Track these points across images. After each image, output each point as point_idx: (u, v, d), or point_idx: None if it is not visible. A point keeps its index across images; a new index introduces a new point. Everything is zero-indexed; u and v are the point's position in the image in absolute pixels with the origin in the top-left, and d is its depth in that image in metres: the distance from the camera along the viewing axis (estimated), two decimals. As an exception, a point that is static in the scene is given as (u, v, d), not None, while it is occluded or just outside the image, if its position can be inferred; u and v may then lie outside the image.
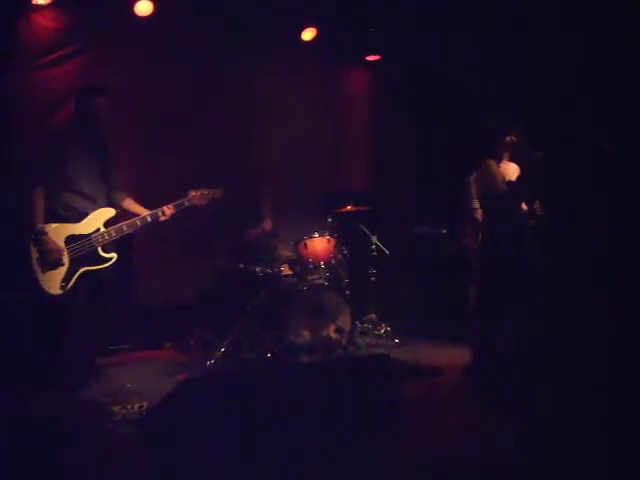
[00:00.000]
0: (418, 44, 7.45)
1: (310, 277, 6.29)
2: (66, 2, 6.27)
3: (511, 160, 5.29)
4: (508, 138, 5.19)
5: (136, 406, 4.49)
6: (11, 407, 4.35)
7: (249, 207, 6.60)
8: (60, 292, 4.58)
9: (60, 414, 4.37)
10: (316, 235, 6.32)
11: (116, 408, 4.44)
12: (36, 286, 4.56)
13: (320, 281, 6.26)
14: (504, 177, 5.17)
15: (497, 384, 4.75)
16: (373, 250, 6.93)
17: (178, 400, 3.11)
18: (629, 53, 5.60)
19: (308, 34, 7.49)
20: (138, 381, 5.19)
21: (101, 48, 6.49)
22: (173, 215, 5.01)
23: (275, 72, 7.26)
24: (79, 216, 4.73)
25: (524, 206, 5.31)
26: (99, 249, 4.73)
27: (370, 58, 8.16)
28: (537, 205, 5.30)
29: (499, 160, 5.25)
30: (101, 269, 4.75)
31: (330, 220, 6.58)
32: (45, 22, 6.24)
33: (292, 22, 7.35)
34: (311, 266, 6.28)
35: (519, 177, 5.08)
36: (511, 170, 5.27)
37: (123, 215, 4.97)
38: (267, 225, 6.59)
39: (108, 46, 6.48)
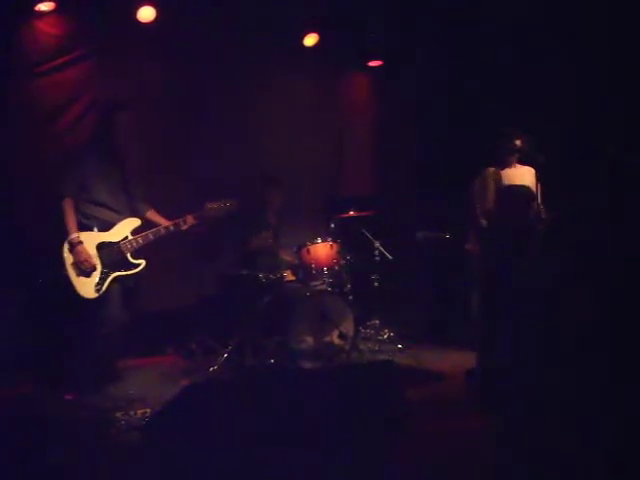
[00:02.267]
0: (420, 49, 7.46)
1: (313, 283, 6.27)
2: (69, 9, 6.27)
3: (520, 163, 5.28)
4: (514, 142, 5.17)
5: (139, 412, 4.50)
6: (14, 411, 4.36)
7: (253, 214, 6.58)
8: (95, 295, 4.83)
9: (63, 420, 4.40)
10: (319, 240, 6.29)
11: (119, 414, 4.45)
12: (70, 289, 4.80)
13: (323, 287, 6.23)
14: (503, 183, 5.17)
15: (497, 388, 4.74)
16: (376, 255, 6.92)
17: (180, 406, 3.11)
18: (632, 55, 5.60)
19: (310, 40, 7.50)
20: (141, 387, 5.21)
21: (104, 55, 6.50)
22: (193, 225, 5.22)
23: (277, 78, 7.31)
24: (102, 225, 4.95)
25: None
26: (128, 255, 4.97)
27: (372, 63, 8.17)
28: (541, 209, 5.29)
29: (504, 165, 5.24)
30: (132, 274, 5.01)
31: (332, 225, 6.57)
32: (48, 29, 6.25)
33: (294, 28, 7.36)
34: (314, 272, 6.25)
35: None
36: (519, 174, 5.27)
37: (145, 225, 5.14)
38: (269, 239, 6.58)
39: (111, 53, 6.49)
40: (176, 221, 5.15)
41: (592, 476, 3.48)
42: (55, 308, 5.28)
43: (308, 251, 6.25)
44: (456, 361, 5.97)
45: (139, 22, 6.49)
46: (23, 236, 5.79)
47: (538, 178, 5.24)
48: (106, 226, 4.96)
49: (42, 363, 5.34)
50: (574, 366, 4.73)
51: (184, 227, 5.17)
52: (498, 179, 5.20)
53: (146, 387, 5.25)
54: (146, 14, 6.45)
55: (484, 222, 5.63)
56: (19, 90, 6.18)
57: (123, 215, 5.03)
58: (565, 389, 4.47)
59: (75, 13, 6.35)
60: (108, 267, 4.88)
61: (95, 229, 4.91)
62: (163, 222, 5.17)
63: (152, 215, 5.25)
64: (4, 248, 5.53)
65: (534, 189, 5.27)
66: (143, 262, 5.03)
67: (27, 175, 6.06)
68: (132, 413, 4.48)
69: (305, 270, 6.31)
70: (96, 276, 4.83)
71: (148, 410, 4.50)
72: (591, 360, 4.75)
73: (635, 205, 5.16)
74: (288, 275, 6.51)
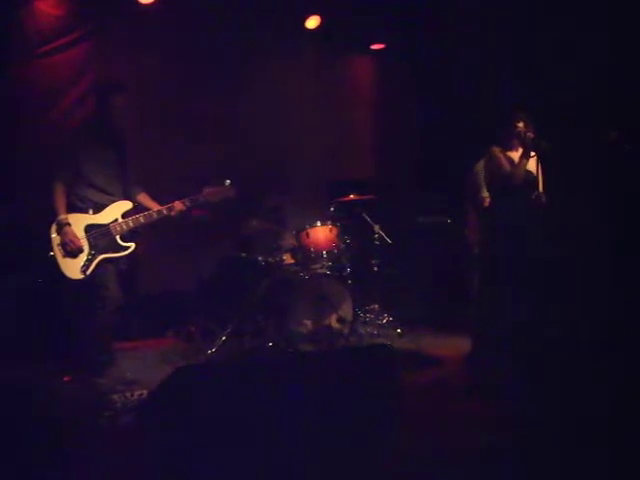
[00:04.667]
0: (422, 31, 7.42)
1: (312, 266, 6.24)
2: (69, -11, 6.27)
3: (520, 147, 5.23)
4: (517, 125, 5.13)
5: (136, 394, 4.51)
6: (10, 395, 4.37)
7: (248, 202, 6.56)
8: (81, 276, 4.81)
9: (60, 402, 4.42)
10: (318, 224, 6.27)
11: (116, 396, 4.46)
12: (57, 270, 4.79)
13: (322, 270, 6.20)
14: (512, 163, 5.13)
15: (495, 370, 4.74)
16: (376, 239, 6.89)
17: (172, 389, 3.11)
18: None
19: (312, 22, 7.46)
20: (138, 369, 5.22)
21: (104, 35, 6.52)
22: (189, 209, 5.21)
23: (278, 60, 7.27)
24: (96, 208, 4.94)
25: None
26: (117, 238, 4.95)
27: (374, 46, 8.13)
28: (541, 195, 5.27)
29: (508, 147, 5.20)
30: (120, 257, 4.98)
31: (332, 209, 6.56)
32: (47, 9, 6.26)
33: (296, 10, 7.32)
34: (313, 255, 6.23)
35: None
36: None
37: (138, 209, 5.10)
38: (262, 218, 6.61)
39: (111, 33, 6.51)
40: (169, 205, 5.11)
41: (590, 461, 3.47)
42: (51, 290, 5.28)
43: (307, 234, 6.24)
44: (456, 346, 5.96)
45: (139, 2, 6.46)
46: (22, 220, 5.80)
47: (539, 163, 5.21)
48: (99, 209, 4.95)
49: (40, 345, 5.35)
50: (573, 347, 4.74)
51: (176, 211, 5.12)
52: (508, 158, 5.16)
53: (144, 369, 5.26)
54: (146, -5, 6.44)
55: (488, 204, 5.62)
56: (21, 72, 6.17)
57: (116, 198, 5.01)
58: (564, 370, 4.47)
59: (75, -6, 6.34)
60: (96, 249, 4.86)
61: (90, 211, 4.91)
62: (154, 206, 5.13)
63: (143, 199, 5.22)
64: (3, 233, 5.55)
65: (535, 173, 5.24)
66: (132, 245, 5.00)
67: (27, 158, 6.07)
68: (129, 395, 4.49)
69: (304, 253, 6.30)
70: (83, 258, 4.82)
71: (145, 392, 4.50)
72: (590, 343, 4.76)
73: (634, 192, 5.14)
74: (287, 258, 6.49)
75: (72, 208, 4.88)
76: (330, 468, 3.28)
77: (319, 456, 3.33)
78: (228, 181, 5.30)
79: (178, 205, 5.11)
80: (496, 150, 5.19)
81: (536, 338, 4.75)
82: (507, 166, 5.11)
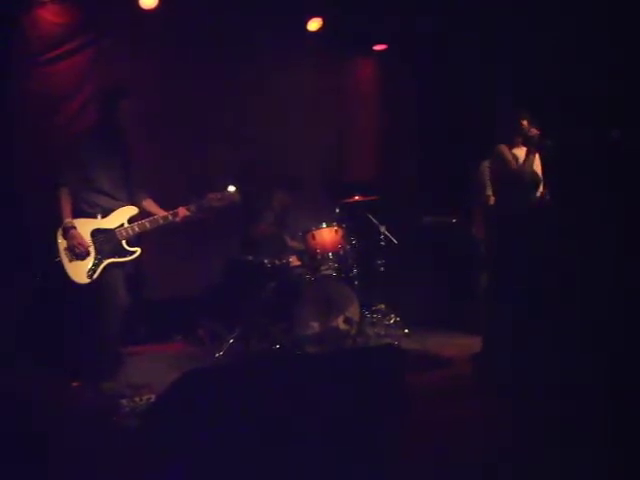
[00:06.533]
0: (424, 32, 7.41)
1: (319, 268, 6.26)
2: (71, -3, 6.30)
3: (524, 145, 5.22)
4: (522, 123, 5.12)
5: (144, 399, 4.51)
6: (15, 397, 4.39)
7: (253, 205, 6.58)
8: (88, 281, 4.81)
9: (68, 406, 4.43)
10: (324, 225, 6.28)
11: (124, 401, 4.47)
12: (63, 274, 4.79)
13: (328, 272, 6.23)
14: (518, 161, 5.12)
15: (501, 370, 4.74)
16: (381, 240, 6.89)
17: (181, 392, 3.12)
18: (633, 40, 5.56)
19: (314, 24, 7.46)
20: (147, 374, 5.21)
21: (106, 42, 6.52)
22: (193, 215, 5.17)
23: (281, 63, 7.28)
24: (104, 212, 4.95)
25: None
26: (123, 242, 4.95)
27: (376, 48, 8.14)
28: (546, 193, 5.26)
29: (512, 145, 5.19)
30: (126, 261, 4.98)
31: (338, 210, 6.56)
32: (50, 17, 6.28)
33: (297, 12, 7.32)
34: (319, 257, 6.24)
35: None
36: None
37: (143, 215, 5.10)
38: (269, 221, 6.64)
39: (113, 40, 6.51)
40: (174, 211, 5.10)
41: (592, 460, 3.47)
42: (60, 295, 5.29)
43: (313, 236, 6.24)
44: (463, 346, 5.96)
45: (141, 9, 6.49)
46: (24, 225, 5.83)
47: (542, 161, 5.21)
48: (107, 213, 4.96)
49: (48, 351, 5.37)
50: (576, 350, 4.73)
51: (181, 217, 5.10)
52: (515, 157, 5.14)
53: (152, 374, 5.23)
54: (148, 2, 6.45)
55: (492, 203, 5.61)
56: (23, 80, 6.20)
57: (122, 203, 5.02)
58: (567, 372, 4.46)
59: (78, 1, 6.36)
60: (102, 253, 4.86)
61: (99, 216, 4.92)
62: (159, 212, 5.12)
63: (149, 204, 5.22)
64: (5, 238, 5.57)
65: (538, 172, 5.23)
66: (138, 250, 5.00)
67: (30, 165, 6.10)
68: (137, 400, 4.49)
69: (310, 255, 6.31)
70: (89, 262, 4.82)
71: (153, 397, 4.50)
72: (593, 346, 4.74)
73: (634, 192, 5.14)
74: (294, 260, 6.51)
75: (80, 213, 4.89)
76: (337, 468, 3.28)
77: (326, 456, 3.34)
78: (232, 187, 5.27)
79: (183, 211, 5.09)
80: (503, 148, 5.17)
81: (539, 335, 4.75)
82: (514, 164, 5.10)
